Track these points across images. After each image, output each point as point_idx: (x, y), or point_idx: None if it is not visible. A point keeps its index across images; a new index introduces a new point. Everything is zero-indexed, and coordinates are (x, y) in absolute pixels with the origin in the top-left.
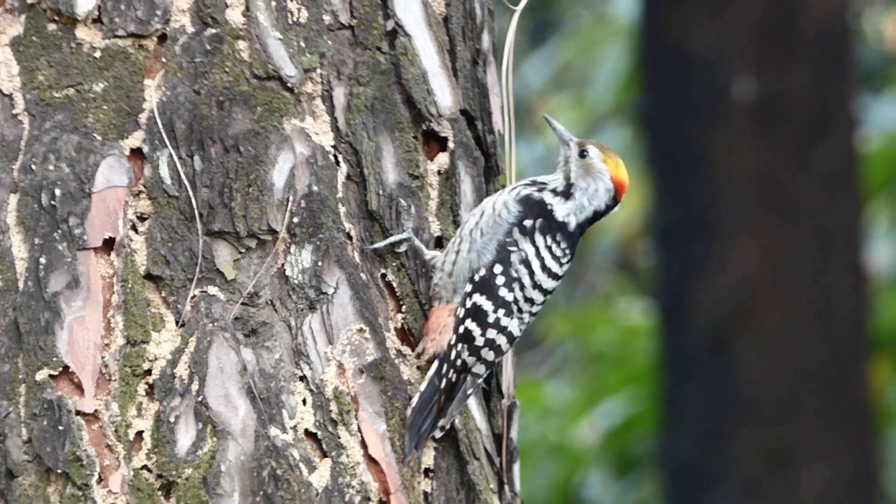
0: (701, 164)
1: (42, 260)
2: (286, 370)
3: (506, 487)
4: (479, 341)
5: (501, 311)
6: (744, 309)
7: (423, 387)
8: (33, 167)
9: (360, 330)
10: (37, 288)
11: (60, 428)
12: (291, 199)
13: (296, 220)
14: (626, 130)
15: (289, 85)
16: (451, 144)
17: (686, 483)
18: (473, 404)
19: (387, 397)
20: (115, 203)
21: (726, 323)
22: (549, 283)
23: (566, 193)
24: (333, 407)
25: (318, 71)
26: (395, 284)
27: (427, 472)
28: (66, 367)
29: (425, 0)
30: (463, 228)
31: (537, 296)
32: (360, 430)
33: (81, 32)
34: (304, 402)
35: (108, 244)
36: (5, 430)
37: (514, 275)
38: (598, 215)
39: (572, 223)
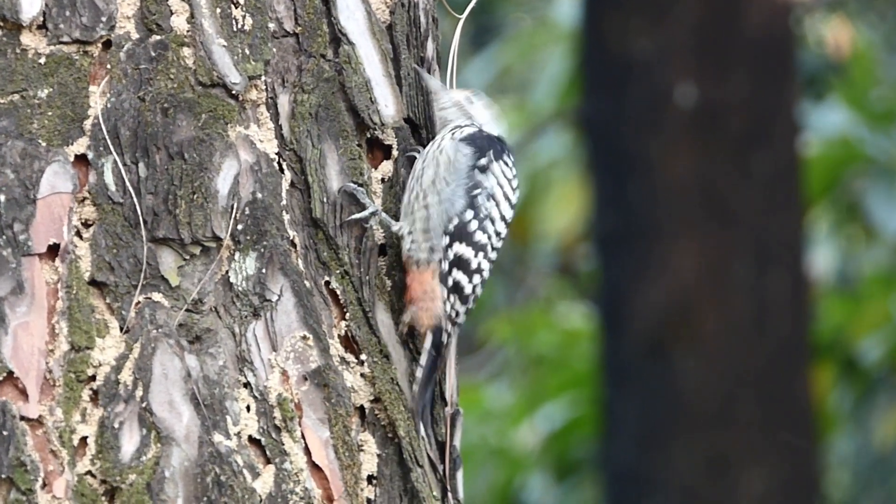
0: (641, 170)
1: None
2: (230, 377)
3: (449, 495)
4: (468, 289)
5: (481, 255)
6: (682, 314)
7: (423, 360)
8: None
9: (304, 337)
10: None
11: (4, 433)
12: (236, 206)
13: (240, 227)
14: (567, 135)
15: (233, 92)
16: (395, 152)
17: (626, 488)
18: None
19: (330, 404)
20: (59, 209)
21: (665, 328)
22: (508, 212)
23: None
24: (277, 413)
25: (263, 78)
26: (338, 292)
27: (370, 479)
28: (10, 373)
29: (369, 8)
30: (421, 181)
31: (502, 228)
32: (303, 436)
33: (26, 38)
34: (248, 408)
35: (53, 250)
36: None
37: (484, 213)
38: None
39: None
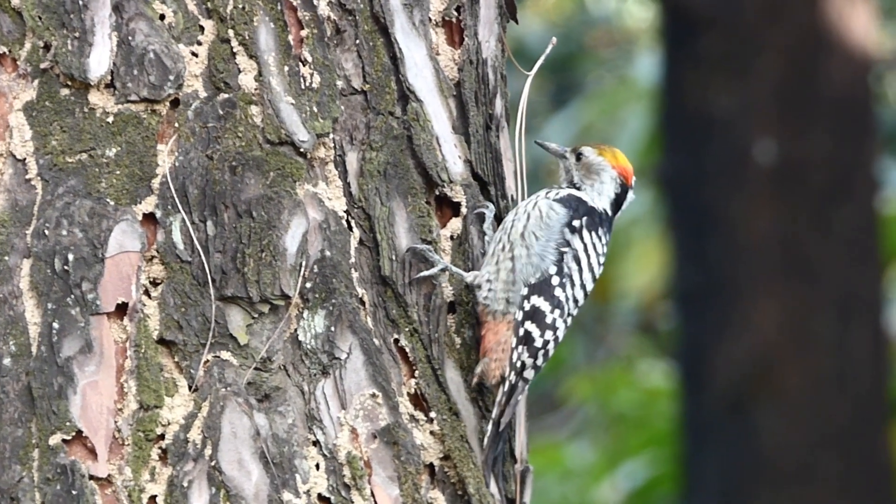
0: (721, 227)
1: (55, 325)
2: (299, 435)
3: None
4: (539, 342)
5: (557, 312)
6: (763, 371)
7: (494, 413)
8: (46, 232)
9: (373, 395)
10: (50, 353)
11: (74, 492)
12: (304, 264)
13: (308, 285)
14: (647, 192)
15: (301, 150)
16: (463, 209)
17: None
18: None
19: (399, 462)
20: (128, 268)
21: (746, 385)
22: (589, 284)
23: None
24: (346, 471)
25: (331, 136)
26: (407, 349)
27: None
28: (79, 432)
29: (437, 66)
30: (510, 233)
31: (580, 295)
32: (373, 494)
33: (94, 97)
34: (318, 466)
35: (122, 309)
36: (19, 495)
37: (566, 271)
38: (613, 206)
39: (601, 208)
